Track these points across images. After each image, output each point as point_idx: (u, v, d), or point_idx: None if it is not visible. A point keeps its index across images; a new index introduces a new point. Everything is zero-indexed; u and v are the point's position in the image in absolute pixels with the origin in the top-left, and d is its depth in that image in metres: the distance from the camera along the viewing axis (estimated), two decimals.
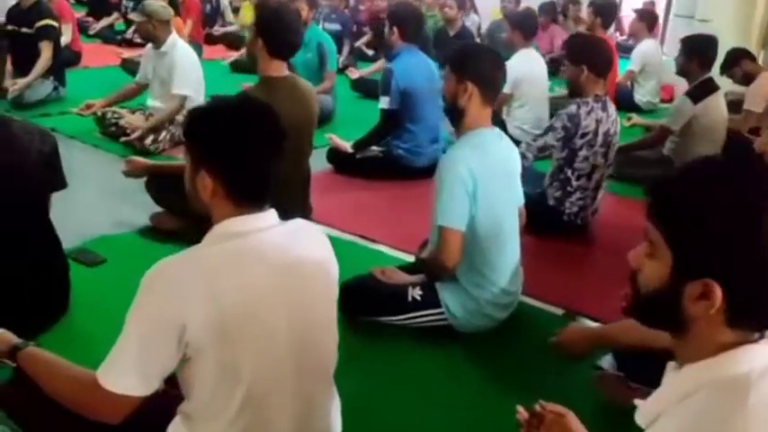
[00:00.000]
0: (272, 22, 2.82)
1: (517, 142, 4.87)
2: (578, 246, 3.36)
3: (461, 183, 2.23)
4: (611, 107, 3.31)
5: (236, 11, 10.23)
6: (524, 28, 4.80)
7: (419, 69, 4.06)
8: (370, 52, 8.52)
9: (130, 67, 6.18)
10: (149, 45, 4.49)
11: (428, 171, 4.20)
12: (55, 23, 5.18)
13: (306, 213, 3.21)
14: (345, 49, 7.84)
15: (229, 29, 9.00)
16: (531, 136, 4.92)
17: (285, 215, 2.73)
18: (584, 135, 3.20)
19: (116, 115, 4.42)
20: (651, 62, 6.36)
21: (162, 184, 3.11)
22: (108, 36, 8.33)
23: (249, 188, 1.47)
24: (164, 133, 4.27)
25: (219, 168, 1.44)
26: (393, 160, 4.09)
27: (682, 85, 6.95)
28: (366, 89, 6.41)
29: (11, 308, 2.10)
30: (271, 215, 1.51)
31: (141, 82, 4.62)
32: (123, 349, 1.38)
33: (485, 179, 2.26)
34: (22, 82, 4.92)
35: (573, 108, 3.22)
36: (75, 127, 4.57)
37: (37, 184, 2.18)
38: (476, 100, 2.32)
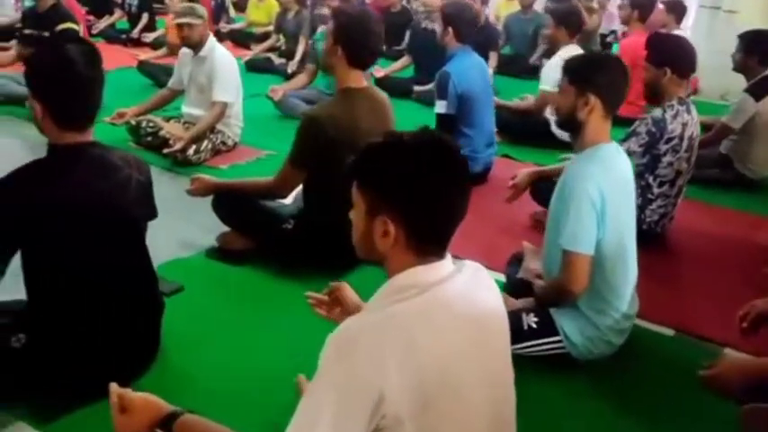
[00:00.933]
0: (353, 29, 2.64)
1: (563, 143, 4.81)
2: (661, 256, 3.22)
3: (590, 202, 2.08)
4: (694, 109, 3.18)
5: (236, 6, 9.98)
6: (569, 24, 4.65)
7: (475, 72, 3.90)
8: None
9: (147, 69, 5.95)
10: (184, 49, 4.27)
11: (483, 176, 4.08)
12: (76, 27, 4.93)
13: None
14: None
15: (236, 26, 8.74)
16: None
17: None
18: (669, 140, 3.06)
19: (151, 124, 4.21)
20: None
21: (230, 203, 2.92)
22: (111, 35, 8.04)
23: (438, 234, 1.31)
24: (205, 143, 4.07)
25: (407, 214, 1.27)
26: None
27: (705, 77, 6.90)
28: (390, 87, 6.20)
29: (111, 349, 1.94)
30: (449, 261, 1.35)
31: (175, 88, 4.41)
32: (314, 424, 1.21)
33: (612, 197, 2.12)
34: None
35: (658, 112, 3.08)
36: (106, 137, 4.27)
37: (136, 216, 2.00)
38: (597, 113, 2.17)
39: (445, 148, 1.31)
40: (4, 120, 4.84)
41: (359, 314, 1.30)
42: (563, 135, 4.77)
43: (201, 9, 4.11)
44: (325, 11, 5.25)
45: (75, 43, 1.83)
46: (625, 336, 2.33)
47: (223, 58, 4.11)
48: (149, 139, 4.17)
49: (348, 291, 1.89)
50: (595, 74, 2.16)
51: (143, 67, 5.95)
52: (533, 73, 7.59)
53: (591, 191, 2.08)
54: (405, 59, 6.37)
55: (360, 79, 2.76)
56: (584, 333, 2.22)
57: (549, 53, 7.98)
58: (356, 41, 2.65)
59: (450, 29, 3.82)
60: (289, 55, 6.87)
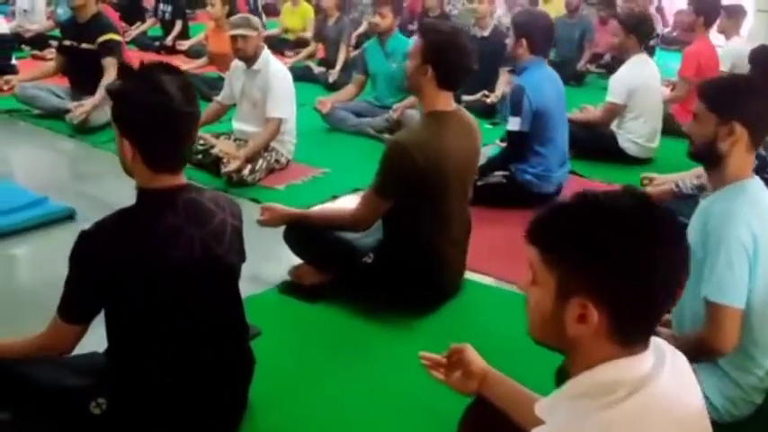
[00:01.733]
0: (445, 47, 2.40)
1: (630, 157, 4.55)
2: None
3: (743, 249, 1.82)
4: None
5: (266, 10, 9.78)
6: (641, 32, 4.39)
7: (549, 85, 3.65)
8: None
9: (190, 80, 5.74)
10: (236, 62, 4.05)
11: (554, 197, 3.83)
12: (119, 38, 4.75)
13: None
14: None
15: (269, 32, 8.50)
16: (645, 150, 4.54)
17: (449, 272, 2.50)
18: None
19: (202, 141, 3.99)
20: (740, 64, 5.92)
21: (304, 234, 2.69)
22: (144, 42, 7.85)
23: (651, 320, 1.08)
24: (260, 161, 3.85)
25: (616, 296, 1.03)
26: (519, 186, 3.68)
27: None
28: None
29: (200, 411, 1.71)
30: (652, 347, 1.11)
31: (226, 102, 4.20)
32: None
33: (764, 240, 1.86)
34: (87, 104, 4.47)
35: None
36: None
37: (232, 264, 1.78)
38: (742, 145, 1.91)
39: (663, 214, 1.07)
40: (43, 133, 4.65)
41: (555, 420, 1.06)
42: (632, 149, 4.52)
43: (256, 20, 3.90)
44: (376, 19, 4.98)
45: (170, 74, 1.60)
46: (765, 394, 2.07)
47: (278, 72, 3.90)
48: (200, 157, 3.95)
49: (472, 353, 1.64)
50: (742, 100, 1.90)
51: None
52: (580, 80, 7.35)
53: (742, 235, 1.82)
54: None
55: (449, 101, 2.52)
56: (724, 393, 1.97)
57: (594, 59, 7.75)
58: (449, 61, 2.41)
59: (523, 40, 3.56)
60: (329, 63, 6.65)
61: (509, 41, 3.73)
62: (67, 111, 4.64)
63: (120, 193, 3.75)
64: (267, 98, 3.85)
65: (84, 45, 4.67)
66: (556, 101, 3.67)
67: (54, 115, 4.74)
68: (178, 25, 7.77)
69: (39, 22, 7.57)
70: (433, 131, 2.46)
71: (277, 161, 4.00)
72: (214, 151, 3.88)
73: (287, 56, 7.41)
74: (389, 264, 2.57)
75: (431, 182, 2.44)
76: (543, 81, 3.62)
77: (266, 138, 3.83)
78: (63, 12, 7.19)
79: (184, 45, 7.38)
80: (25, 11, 7.64)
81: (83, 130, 4.48)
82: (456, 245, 2.67)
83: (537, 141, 3.63)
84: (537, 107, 3.52)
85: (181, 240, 1.61)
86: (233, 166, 3.66)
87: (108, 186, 3.80)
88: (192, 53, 7.25)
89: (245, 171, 3.74)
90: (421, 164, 2.39)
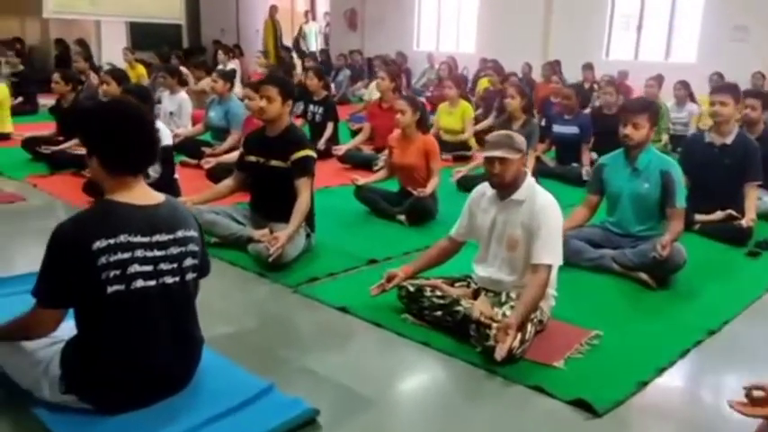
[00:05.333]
0: None
1: None
2: None
3: None
4: None
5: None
6: None
7: None
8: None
9: (365, 195, 4.95)
10: (483, 188, 3.15)
11: None
12: (314, 153, 3.99)
13: None
14: (585, 159, 6.42)
15: None
16: None
17: None
18: None
19: (439, 293, 3.06)
20: None
21: None
22: None
23: None
24: (529, 326, 2.84)
25: None
26: None
27: None
28: None
29: None
30: None
31: (460, 239, 3.28)
32: None
33: None
34: (282, 237, 3.64)
35: None
36: (366, 302, 3.23)
37: None
38: None
39: None
40: (227, 270, 3.68)
41: None
42: None
43: (521, 140, 3.01)
44: (627, 129, 4.03)
45: None
46: None
47: (550, 206, 2.96)
48: (438, 314, 3.01)
49: None
50: None
51: (361, 192, 4.95)
52: None
53: None
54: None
55: None
56: None
57: None
58: None
59: None
60: None
61: None
62: (249, 239, 3.86)
63: (357, 374, 2.69)
64: (535, 238, 2.90)
65: (273, 162, 3.94)
66: None
67: (234, 244, 3.96)
68: (330, 128, 7.14)
69: (185, 125, 7.12)
70: None
71: (540, 321, 3.00)
72: (459, 309, 2.92)
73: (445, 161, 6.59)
74: None
75: None
76: None
77: (538, 293, 2.85)
78: (215, 115, 6.69)
79: (340, 150, 6.69)
80: (171, 113, 7.20)
81: (274, 266, 3.64)
82: None
83: None
84: None
85: None
86: (509, 342, 2.65)
87: (338, 361, 2.83)
88: (347, 159, 6.58)
89: (515, 342, 2.74)
90: None
